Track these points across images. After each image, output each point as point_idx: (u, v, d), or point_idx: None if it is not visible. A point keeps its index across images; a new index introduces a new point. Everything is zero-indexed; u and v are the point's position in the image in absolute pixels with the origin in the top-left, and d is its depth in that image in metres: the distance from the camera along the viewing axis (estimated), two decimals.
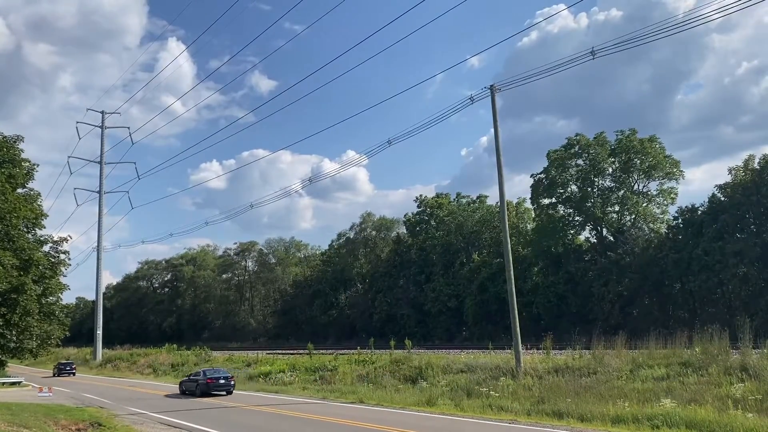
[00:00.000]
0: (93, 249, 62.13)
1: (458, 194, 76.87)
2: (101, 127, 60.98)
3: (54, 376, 47.82)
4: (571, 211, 58.30)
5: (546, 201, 59.10)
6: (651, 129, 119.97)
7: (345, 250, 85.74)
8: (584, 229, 59.33)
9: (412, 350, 30.46)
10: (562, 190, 58.05)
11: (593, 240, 59.00)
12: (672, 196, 56.04)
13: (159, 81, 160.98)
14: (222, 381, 27.68)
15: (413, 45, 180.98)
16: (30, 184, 37.98)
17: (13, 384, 36.32)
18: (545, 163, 58.86)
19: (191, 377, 29.40)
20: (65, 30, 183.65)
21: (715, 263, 45.11)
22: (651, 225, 55.64)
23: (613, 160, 56.37)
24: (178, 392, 29.29)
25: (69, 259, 38.92)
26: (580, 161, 57.63)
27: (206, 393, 26.98)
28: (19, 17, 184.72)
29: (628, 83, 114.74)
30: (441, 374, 24.91)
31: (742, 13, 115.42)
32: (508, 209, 35.00)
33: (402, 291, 71.71)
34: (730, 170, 47.63)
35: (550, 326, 47.64)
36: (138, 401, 25.40)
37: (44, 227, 37.99)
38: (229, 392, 27.53)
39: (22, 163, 36.79)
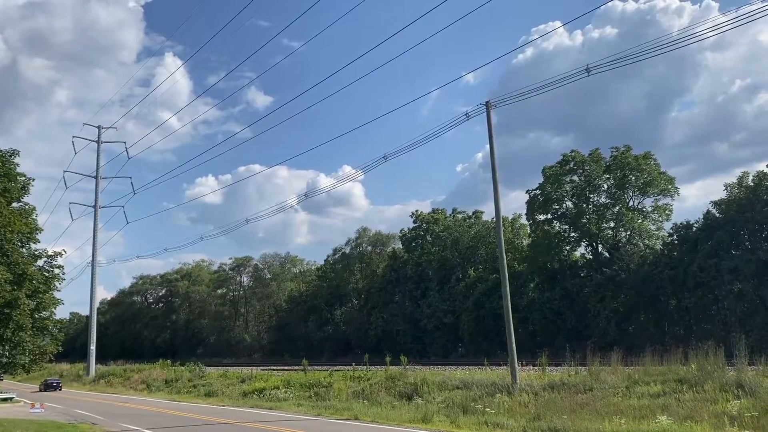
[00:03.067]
0: (87, 264, 61.81)
1: (454, 210, 76.95)
2: (97, 141, 61.01)
3: None
4: (566, 227, 58.39)
5: (541, 217, 59.21)
6: (645, 146, 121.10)
7: (340, 266, 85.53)
8: (580, 245, 59.40)
9: (407, 366, 30.29)
10: (557, 206, 58.20)
11: (589, 256, 59.05)
12: (667, 212, 56.19)
13: (156, 96, 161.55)
14: (54, 384, 49.88)
15: (409, 61, 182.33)
16: (25, 199, 37.82)
17: (4, 400, 35.96)
18: (540, 179, 59.06)
19: (43, 381, 50.78)
20: (61, 45, 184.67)
21: (711, 280, 45.17)
22: (646, 241, 55.75)
23: (608, 176, 56.59)
24: (38, 389, 49.49)
25: (63, 273, 38.71)
26: (575, 177, 57.84)
27: (46, 389, 48.62)
28: (15, 32, 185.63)
29: (623, 100, 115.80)
30: (437, 391, 24.76)
31: (736, 32, 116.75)
32: (503, 225, 35.04)
33: (398, 307, 71.47)
34: (726, 186, 47.92)
35: (546, 342, 47.54)
36: (131, 417, 25.17)
37: (39, 241, 37.77)
38: (59, 389, 48.96)
39: (18, 178, 36.67)
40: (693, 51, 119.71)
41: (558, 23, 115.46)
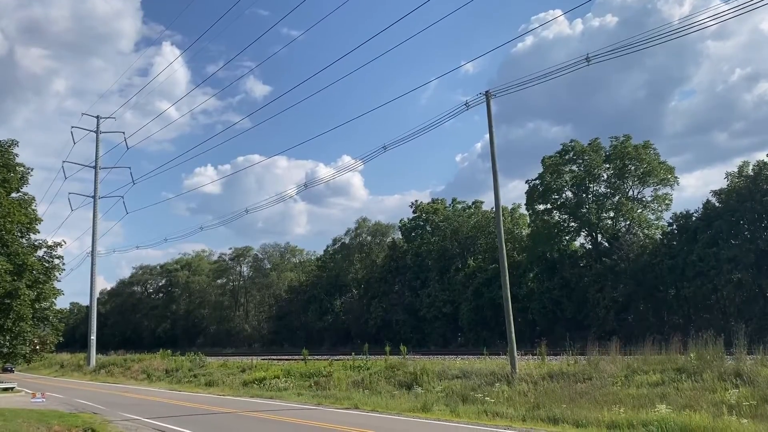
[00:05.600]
0: (87, 254, 61.81)
1: (454, 200, 76.99)
2: (96, 131, 60.77)
3: None
4: (566, 216, 58.44)
5: (541, 207, 59.24)
6: (645, 135, 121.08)
7: (340, 256, 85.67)
8: (579, 235, 59.51)
9: (407, 356, 30.37)
10: (557, 196, 58.22)
11: (588, 246, 59.14)
12: (666, 202, 56.25)
13: (154, 86, 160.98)
14: (9, 368, 51.88)
15: (408, 50, 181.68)
16: (24, 189, 37.89)
17: (5, 390, 36.03)
18: (539, 169, 59.10)
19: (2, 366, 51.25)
20: (58, 34, 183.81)
21: (710, 269, 45.25)
22: (646, 231, 55.83)
23: (607, 166, 56.57)
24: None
25: (63, 264, 38.84)
26: (574, 167, 57.82)
27: (3, 372, 50.97)
28: (11, 21, 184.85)
29: (622, 89, 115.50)
30: (436, 380, 24.83)
31: (737, 20, 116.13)
32: (503, 215, 35.01)
33: (397, 296, 71.63)
34: (727, 175, 47.93)
35: (545, 332, 47.70)
36: (132, 407, 25.26)
37: (38, 232, 37.92)
38: (12, 371, 54.39)
39: (17, 168, 36.68)
40: (694, 40, 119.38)
41: (558, 11, 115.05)
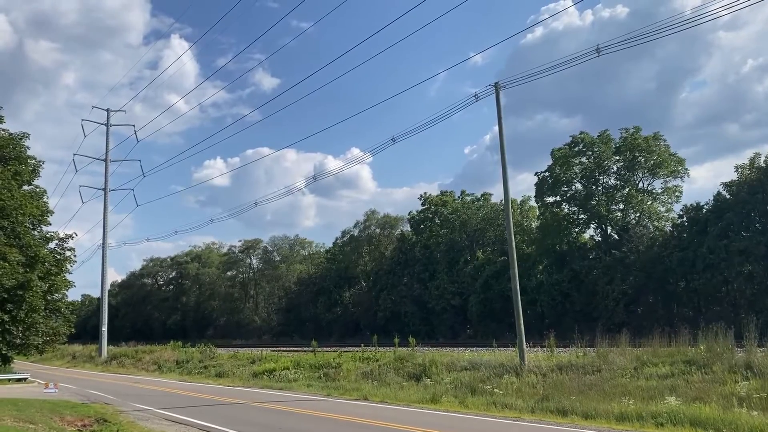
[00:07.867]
0: (98, 246, 62.19)
1: (462, 192, 76.84)
2: (106, 124, 61.00)
3: None
4: (575, 209, 58.27)
5: (550, 199, 59.09)
6: (654, 126, 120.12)
7: (349, 248, 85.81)
8: (589, 227, 59.35)
9: (416, 348, 30.44)
10: (566, 188, 58.03)
11: (598, 238, 58.96)
12: (677, 194, 56.00)
13: (163, 79, 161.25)
14: None
15: (417, 43, 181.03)
16: (36, 182, 38.17)
17: (18, 380, 36.43)
18: (548, 161, 59.01)
19: None
20: (68, 27, 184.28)
21: (720, 261, 45.03)
22: (656, 223, 55.60)
23: (617, 158, 56.31)
24: None
25: (74, 256, 39.13)
26: (584, 159, 57.57)
27: None
28: (20, 14, 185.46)
29: (632, 80, 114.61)
30: (445, 372, 24.90)
31: (750, 10, 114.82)
32: (512, 207, 34.94)
33: (406, 289, 71.72)
34: (737, 168, 47.60)
35: (554, 324, 47.61)
36: (143, 398, 25.50)
37: (50, 224, 38.24)
38: None
39: (28, 160, 36.93)
40: (706, 30, 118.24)
41: (568, 2, 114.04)
